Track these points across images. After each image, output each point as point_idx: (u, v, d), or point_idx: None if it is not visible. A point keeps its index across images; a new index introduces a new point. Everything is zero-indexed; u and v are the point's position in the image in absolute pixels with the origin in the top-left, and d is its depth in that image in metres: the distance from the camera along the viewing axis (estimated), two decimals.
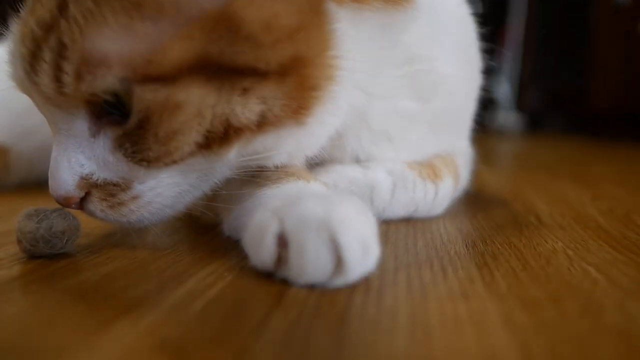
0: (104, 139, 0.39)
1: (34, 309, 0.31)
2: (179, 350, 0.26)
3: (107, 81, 0.35)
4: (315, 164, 0.51)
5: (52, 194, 0.40)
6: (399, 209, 0.55)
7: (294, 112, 0.39)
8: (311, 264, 0.34)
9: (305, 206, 0.36)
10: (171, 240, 0.48)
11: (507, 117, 3.06)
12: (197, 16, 0.36)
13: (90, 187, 0.40)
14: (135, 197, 0.40)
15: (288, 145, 0.42)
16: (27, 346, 0.26)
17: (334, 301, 0.33)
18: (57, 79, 0.36)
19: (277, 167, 0.45)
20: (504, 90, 3.10)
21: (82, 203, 0.41)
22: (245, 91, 0.37)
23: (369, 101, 0.50)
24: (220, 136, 0.38)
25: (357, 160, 0.54)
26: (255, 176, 0.45)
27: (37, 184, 0.74)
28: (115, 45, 0.35)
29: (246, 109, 0.38)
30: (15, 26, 0.40)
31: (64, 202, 0.40)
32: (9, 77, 0.41)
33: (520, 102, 3.16)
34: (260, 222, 0.37)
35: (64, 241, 0.41)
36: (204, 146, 0.38)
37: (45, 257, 0.40)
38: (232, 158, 0.40)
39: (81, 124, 0.39)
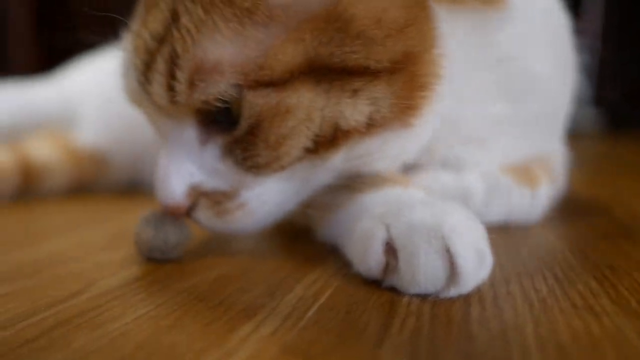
0: (212, 147, 0.39)
1: (161, 310, 0.32)
2: (306, 355, 0.26)
3: (219, 88, 0.36)
4: (405, 169, 0.50)
5: (161, 203, 0.41)
6: (493, 215, 0.53)
7: (402, 112, 0.39)
8: (423, 273, 0.33)
9: (414, 213, 0.35)
10: (267, 246, 0.49)
11: (585, 115, 2.90)
12: (307, 18, 0.36)
13: (198, 196, 0.40)
14: (241, 205, 0.40)
15: (393, 148, 0.41)
16: (165, 347, 0.27)
17: (450, 312, 0.32)
18: (170, 88, 0.37)
19: (376, 172, 0.44)
20: (580, 85, 2.93)
21: (189, 211, 0.41)
22: (355, 92, 0.37)
23: (459, 105, 0.48)
24: (328, 140, 0.38)
25: (446, 166, 0.53)
26: (350, 182, 0.45)
27: (133, 185, 0.79)
28: (227, 52, 0.35)
29: (355, 110, 0.37)
30: (127, 40, 0.41)
31: (173, 211, 0.41)
32: (121, 89, 0.43)
33: (598, 99, 2.98)
34: (366, 229, 0.37)
35: (177, 250, 0.42)
36: (312, 151, 0.38)
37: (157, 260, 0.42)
38: (338, 163, 0.40)
39: (190, 133, 0.39)
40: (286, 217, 0.45)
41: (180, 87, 0.36)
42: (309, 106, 0.37)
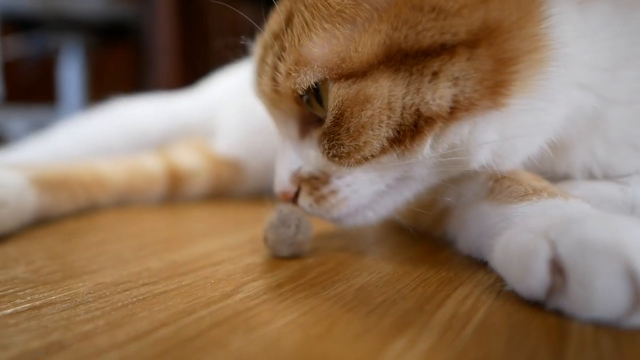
0: (309, 140, 0.44)
1: (309, 317, 0.32)
2: None
3: (306, 78, 0.40)
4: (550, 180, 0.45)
5: (275, 190, 0.46)
6: None
7: (490, 91, 0.36)
8: (600, 297, 0.29)
9: (585, 228, 0.31)
10: (408, 256, 0.47)
11: None
12: (384, 7, 0.37)
13: (300, 182, 0.45)
14: (333, 192, 0.43)
15: (486, 135, 0.39)
16: (319, 356, 0.26)
17: (636, 344, 0.27)
18: (274, 79, 0.42)
19: (482, 168, 0.41)
20: None
21: (295, 198, 0.45)
22: (435, 75, 0.37)
23: (604, 107, 0.42)
24: (410, 129, 0.38)
25: (591, 176, 0.46)
26: (488, 192, 0.43)
27: (264, 192, 0.81)
28: (318, 49, 0.39)
29: (436, 94, 0.37)
30: (259, 38, 0.47)
31: (283, 197, 0.46)
32: (250, 82, 0.48)
33: None
34: (524, 244, 0.34)
35: (291, 227, 0.44)
36: (395, 141, 0.39)
37: (285, 256, 0.45)
38: (427, 154, 0.39)
39: (294, 126, 0.45)
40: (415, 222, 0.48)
41: (280, 77, 0.41)
42: (388, 95, 0.38)
